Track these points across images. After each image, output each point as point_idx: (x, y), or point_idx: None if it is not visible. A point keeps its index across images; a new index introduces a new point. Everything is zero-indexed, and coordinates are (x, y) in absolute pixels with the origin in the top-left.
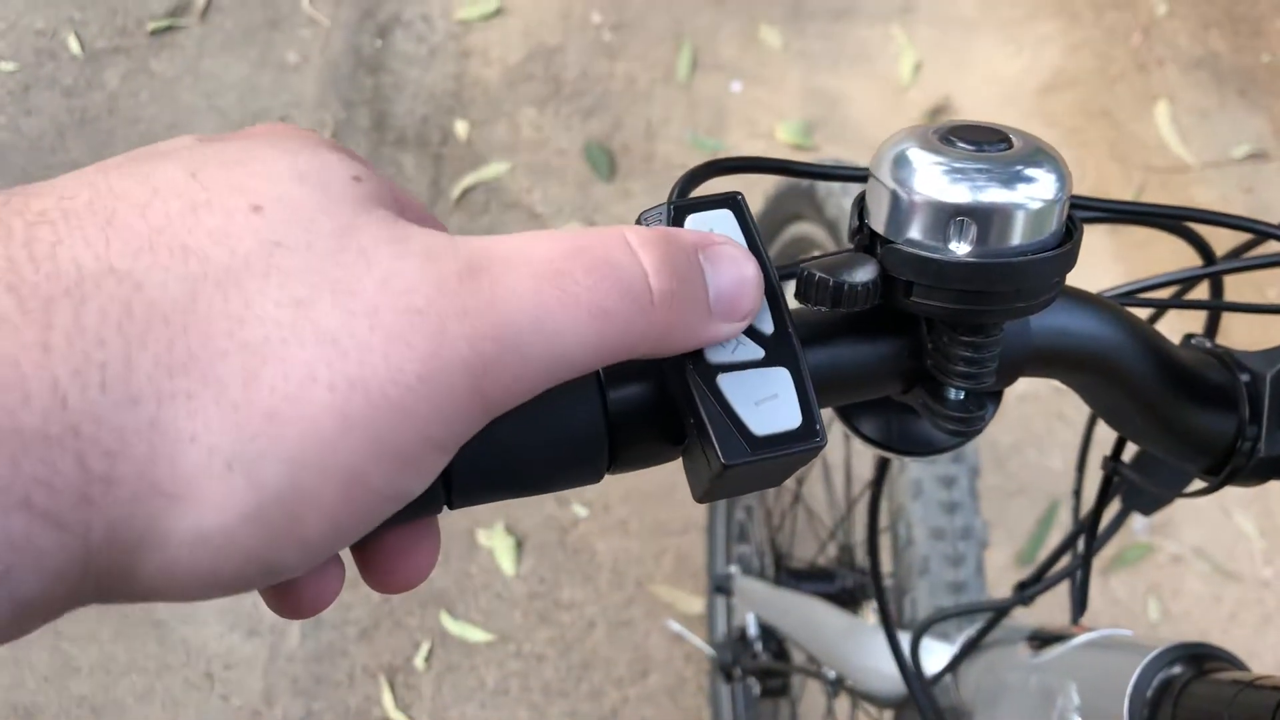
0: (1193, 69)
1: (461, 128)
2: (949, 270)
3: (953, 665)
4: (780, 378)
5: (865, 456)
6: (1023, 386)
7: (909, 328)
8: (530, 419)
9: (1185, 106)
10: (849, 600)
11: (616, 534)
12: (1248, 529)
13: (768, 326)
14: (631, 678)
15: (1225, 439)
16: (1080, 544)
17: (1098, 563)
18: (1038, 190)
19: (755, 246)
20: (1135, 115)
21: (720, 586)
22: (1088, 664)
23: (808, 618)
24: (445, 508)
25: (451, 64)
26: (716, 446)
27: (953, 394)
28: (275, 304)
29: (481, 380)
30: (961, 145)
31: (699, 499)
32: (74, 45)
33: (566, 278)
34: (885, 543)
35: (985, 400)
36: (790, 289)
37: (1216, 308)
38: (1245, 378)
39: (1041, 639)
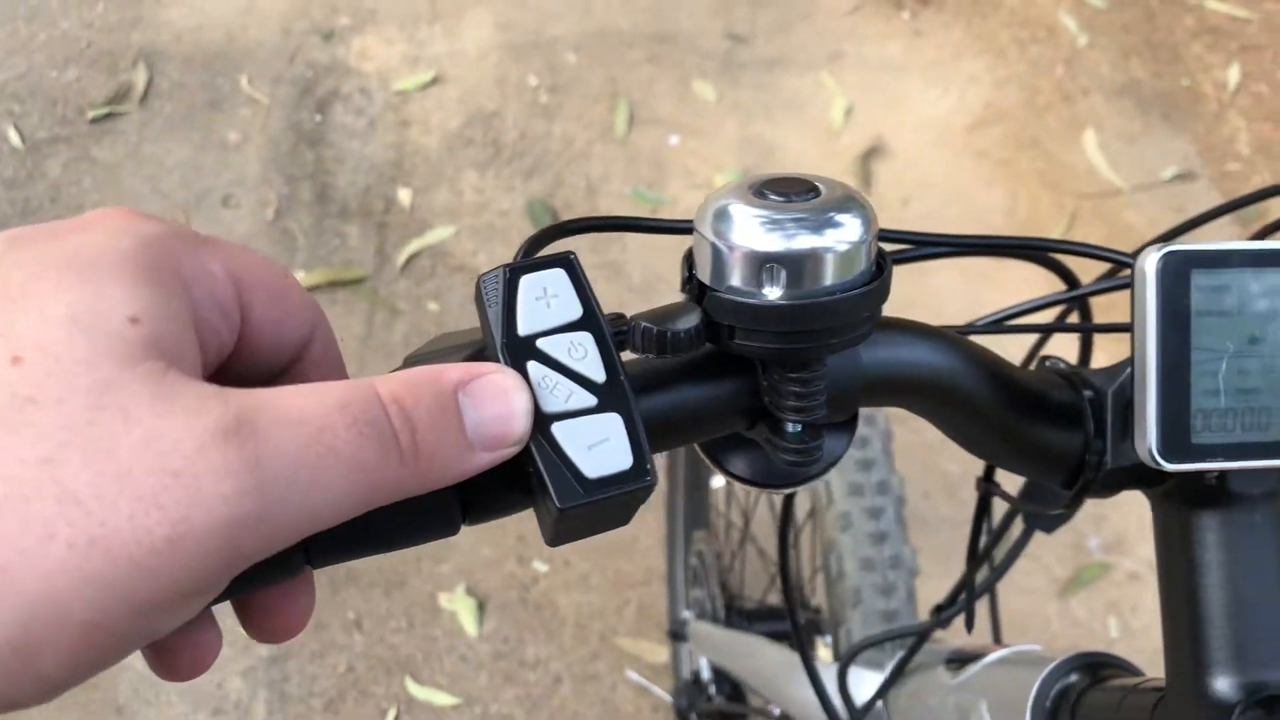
0: (1116, 96)
1: (404, 195)
2: (764, 313)
3: (881, 693)
4: (612, 423)
5: (806, 491)
6: None
7: (746, 369)
8: None
9: (1112, 133)
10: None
11: (578, 589)
12: None
13: (600, 376)
14: None
15: (1075, 454)
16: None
17: (1056, 586)
18: (842, 235)
19: (586, 301)
20: (1064, 144)
21: (676, 633)
22: (997, 681)
23: (753, 657)
24: (308, 567)
25: (391, 134)
26: (551, 491)
27: (790, 428)
28: (20, 461)
29: (238, 537)
30: (773, 198)
31: (549, 542)
32: (14, 138)
33: (328, 433)
34: (820, 578)
35: (821, 432)
36: None
37: (1059, 330)
38: (1089, 394)
39: (959, 660)
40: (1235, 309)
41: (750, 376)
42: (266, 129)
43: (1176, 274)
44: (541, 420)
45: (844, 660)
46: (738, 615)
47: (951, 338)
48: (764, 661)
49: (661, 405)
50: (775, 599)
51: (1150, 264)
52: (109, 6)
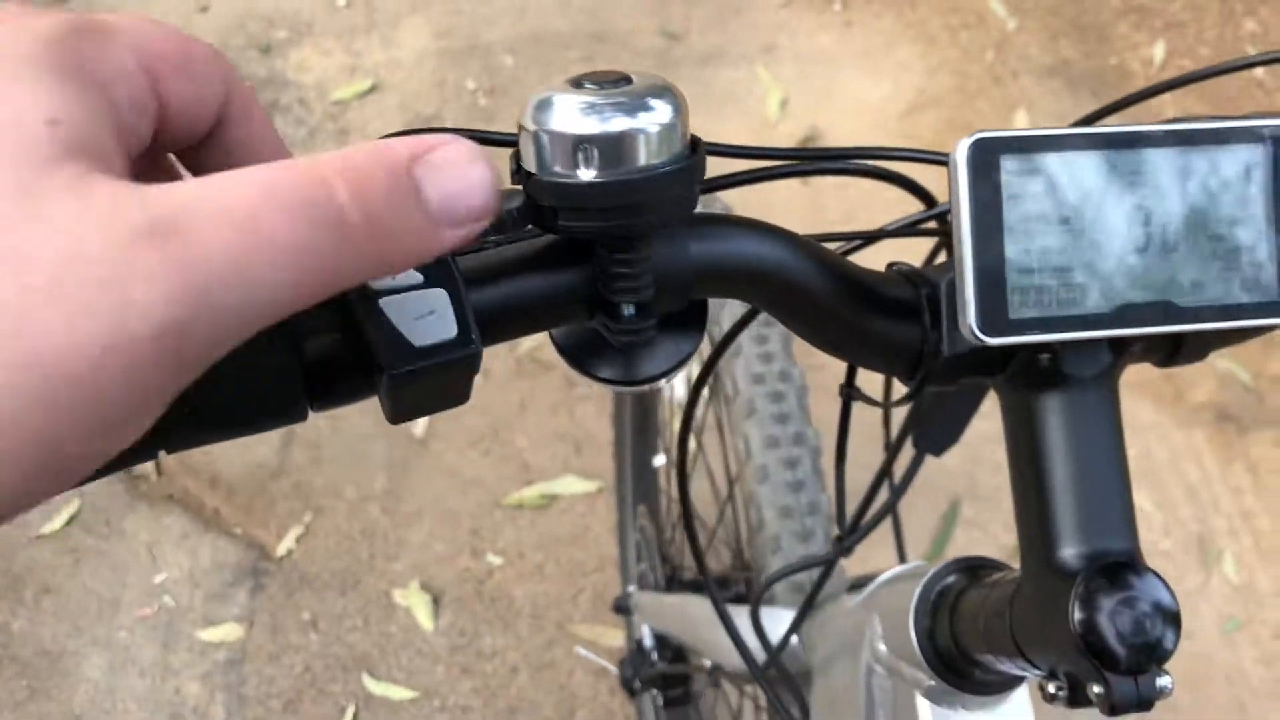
0: (1046, 77)
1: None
2: (581, 191)
3: (793, 629)
4: (438, 297)
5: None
6: None
7: (580, 259)
8: (223, 363)
9: (1043, 113)
10: (743, 599)
11: (533, 579)
12: (1143, 504)
13: None
14: (559, 718)
15: (914, 346)
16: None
17: (1001, 553)
18: (652, 118)
19: None
20: (997, 126)
21: (620, 607)
22: (888, 595)
23: (685, 616)
24: (164, 452)
25: (331, 142)
26: (380, 358)
27: (624, 310)
28: None
29: (180, 342)
30: (589, 86)
31: (390, 418)
32: None
33: (262, 221)
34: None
35: (654, 313)
36: None
37: (885, 236)
38: (926, 290)
39: (860, 584)
40: (1044, 191)
41: (585, 265)
42: None
43: (986, 160)
44: (370, 295)
45: (754, 600)
46: (678, 584)
47: (785, 233)
48: (695, 618)
49: (501, 293)
50: (716, 565)
51: (961, 152)
52: None
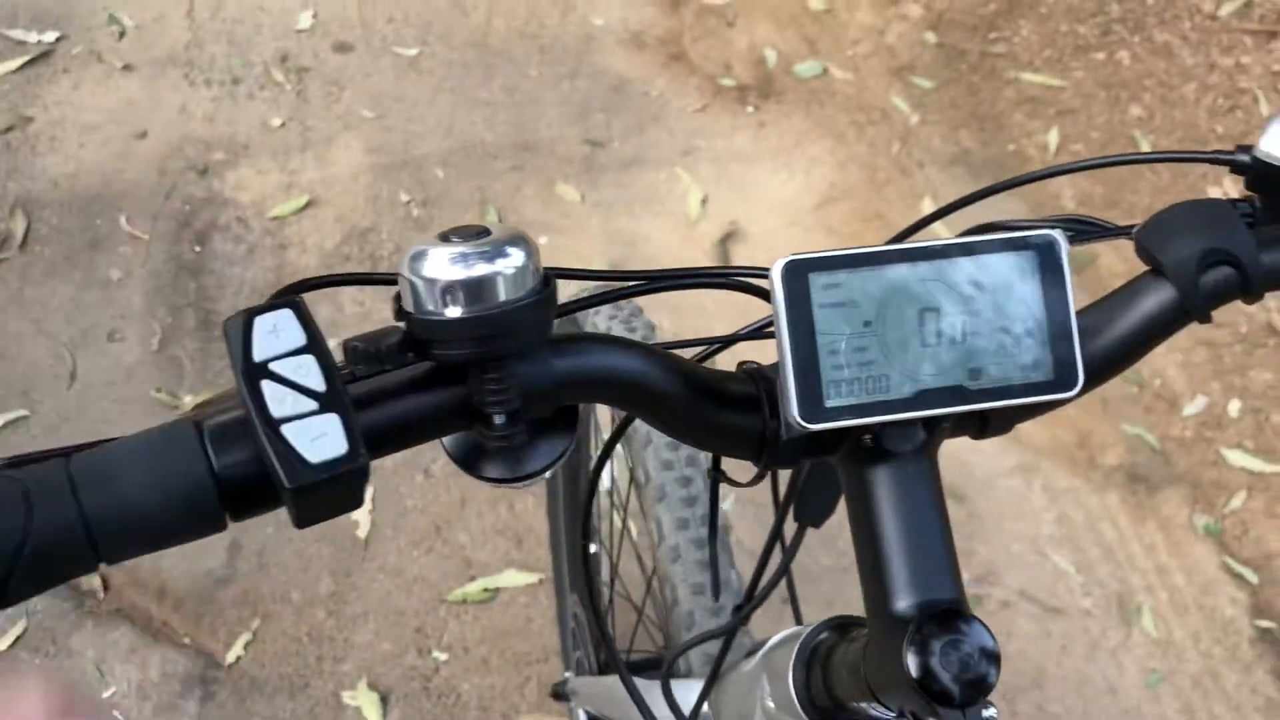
0: (949, 166)
1: None
2: (447, 326)
3: (702, 698)
4: (331, 421)
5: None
6: None
7: (457, 379)
8: (147, 481)
9: (948, 200)
10: (676, 674)
11: (478, 672)
12: (1064, 566)
13: (321, 386)
14: None
15: (758, 433)
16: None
17: None
18: (507, 263)
19: (310, 331)
20: (905, 214)
21: (558, 693)
22: (774, 656)
23: (612, 696)
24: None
25: (270, 257)
26: (281, 475)
27: (496, 419)
28: None
29: None
30: (454, 240)
31: (295, 524)
32: None
33: None
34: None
35: (521, 421)
36: None
37: (735, 341)
38: (765, 385)
39: (755, 650)
40: (848, 300)
41: (460, 385)
42: (148, 263)
43: (797, 278)
44: (274, 423)
45: (663, 674)
46: (610, 668)
47: (638, 345)
48: (621, 698)
49: (388, 413)
50: (645, 645)
51: (776, 272)
52: None
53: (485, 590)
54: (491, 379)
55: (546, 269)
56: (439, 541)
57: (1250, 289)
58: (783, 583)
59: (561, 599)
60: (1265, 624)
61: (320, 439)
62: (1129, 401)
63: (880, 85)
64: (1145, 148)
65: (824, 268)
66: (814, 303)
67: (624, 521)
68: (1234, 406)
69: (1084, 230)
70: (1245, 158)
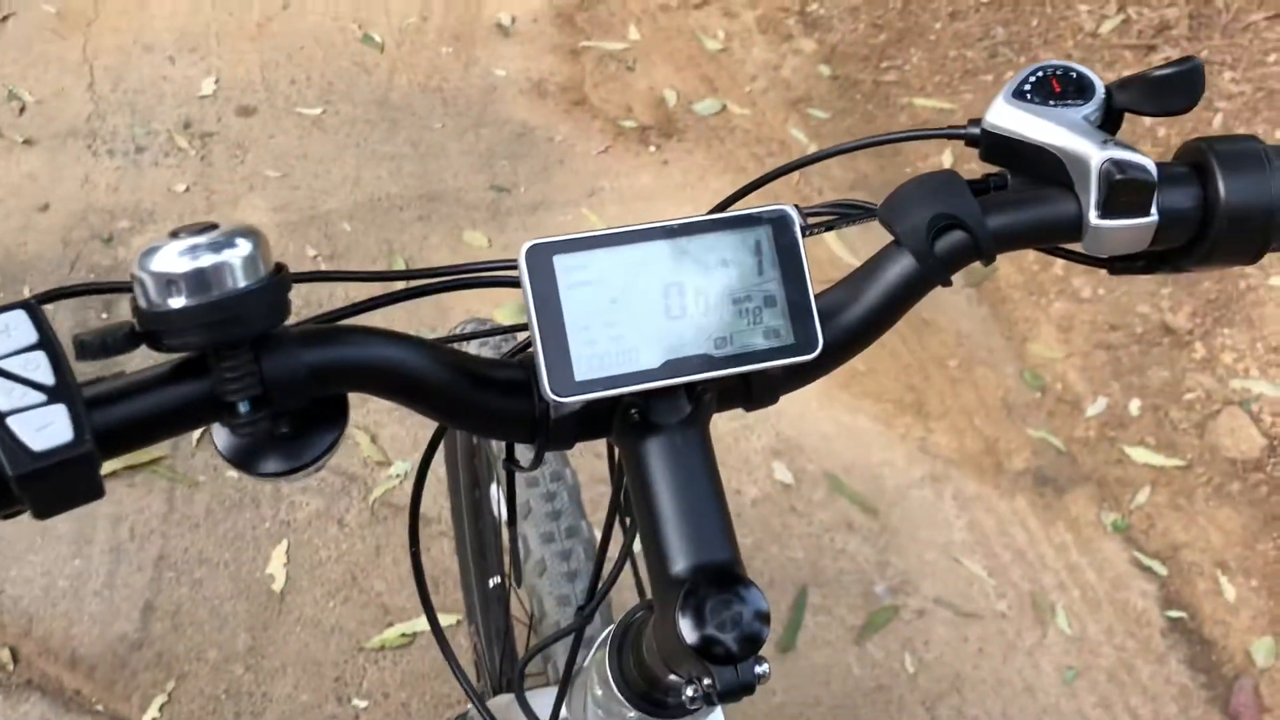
0: (848, 191)
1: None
2: (174, 316)
3: (558, 701)
4: (58, 411)
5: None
6: (754, 491)
7: (199, 372)
8: None
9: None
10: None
11: (399, 717)
12: (977, 571)
13: (50, 380)
14: None
15: (529, 415)
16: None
17: (851, 634)
18: (232, 253)
19: (42, 330)
20: (809, 243)
21: None
22: (601, 646)
23: (507, 716)
24: None
25: None
26: (5, 465)
27: (240, 408)
28: None
29: None
30: (182, 235)
31: (35, 516)
32: None
33: None
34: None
35: (274, 409)
36: None
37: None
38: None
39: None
40: (595, 280)
41: (204, 377)
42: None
43: (542, 260)
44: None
45: (517, 685)
46: (502, 687)
47: (399, 335)
48: (514, 714)
49: (132, 408)
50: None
51: (521, 256)
52: None
53: (403, 635)
54: (227, 366)
55: (287, 269)
56: (355, 590)
57: (981, 251)
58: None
59: (472, 634)
60: (1176, 614)
61: (46, 428)
62: (1032, 406)
63: (778, 118)
64: None
65: (568, 249)
66: (560, 283)
67: (513, 549)
68: (1134, 405)
69: (847, 213)
70: (975, 130)
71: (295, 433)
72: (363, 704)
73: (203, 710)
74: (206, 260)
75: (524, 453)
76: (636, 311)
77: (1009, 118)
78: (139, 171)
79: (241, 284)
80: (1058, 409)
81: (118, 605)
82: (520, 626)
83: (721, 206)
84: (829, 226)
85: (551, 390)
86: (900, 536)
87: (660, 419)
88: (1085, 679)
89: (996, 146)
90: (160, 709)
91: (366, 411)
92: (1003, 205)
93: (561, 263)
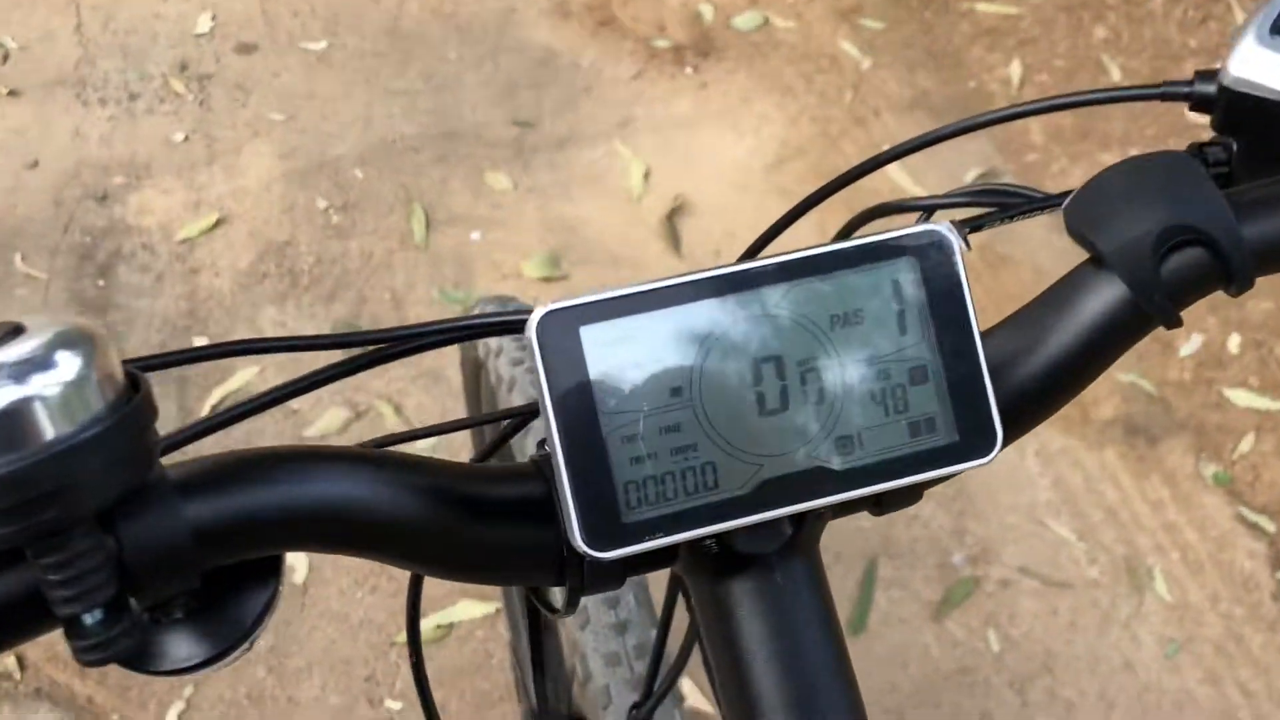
0: (908, 111)
1: (201, 344)
2: None
3: None
4: None
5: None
6: None
7: (15, 560)
8: None
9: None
10: None
11: None
12: (1065, 535)
13: None
14: None
15: (555, 548)
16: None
17: (927, 610)
18: (50, 377)
19: None
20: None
21: None
22: None
23: None
24: None
25: (180, 284)
26: None
27: (86, 619)
28: None
29: None
30: None
31: None
32: None
33: None
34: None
35: (123, 612)
36: None
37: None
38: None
39: None
40: (643, 360)
41: (23, 568)
42: (47, 305)
43: (564, 335)
44: None
45: None
46: None
47: (341, 453)
48: None
49: None
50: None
51: (532, 330)
52: None
53: (438, 627)
54: (53, 563)
55: (132, 364)
56: (384, 579)
57: (1232, 276)
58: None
59: (515, 630)
60: None
61: None
62: None
63: (826, 31)
64: (1114, 71)
65: (603, 316)
66: (591, 370)
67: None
68: (1234, 342)
69: (1005, 205)
70: (1209, 88)
71: (203, 604)
72: (397, 706)
73: (223, 717)
74: (12, 394)
75: (557, 594)
76: (713, 408)
77: (1266, 67)
78: (133, 121)
79: (74, 425)
80: (1148, 349)
81: None
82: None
83: (800, 211)
84: (974, 226)
85: (585, 542)
86: (978, 500)
87: (749, 548)
88: (1189, 652)
89: (1242, 110)
90: (178, 717)
91: (388, 381)
92: (1262, 204)
93: (595, 336)
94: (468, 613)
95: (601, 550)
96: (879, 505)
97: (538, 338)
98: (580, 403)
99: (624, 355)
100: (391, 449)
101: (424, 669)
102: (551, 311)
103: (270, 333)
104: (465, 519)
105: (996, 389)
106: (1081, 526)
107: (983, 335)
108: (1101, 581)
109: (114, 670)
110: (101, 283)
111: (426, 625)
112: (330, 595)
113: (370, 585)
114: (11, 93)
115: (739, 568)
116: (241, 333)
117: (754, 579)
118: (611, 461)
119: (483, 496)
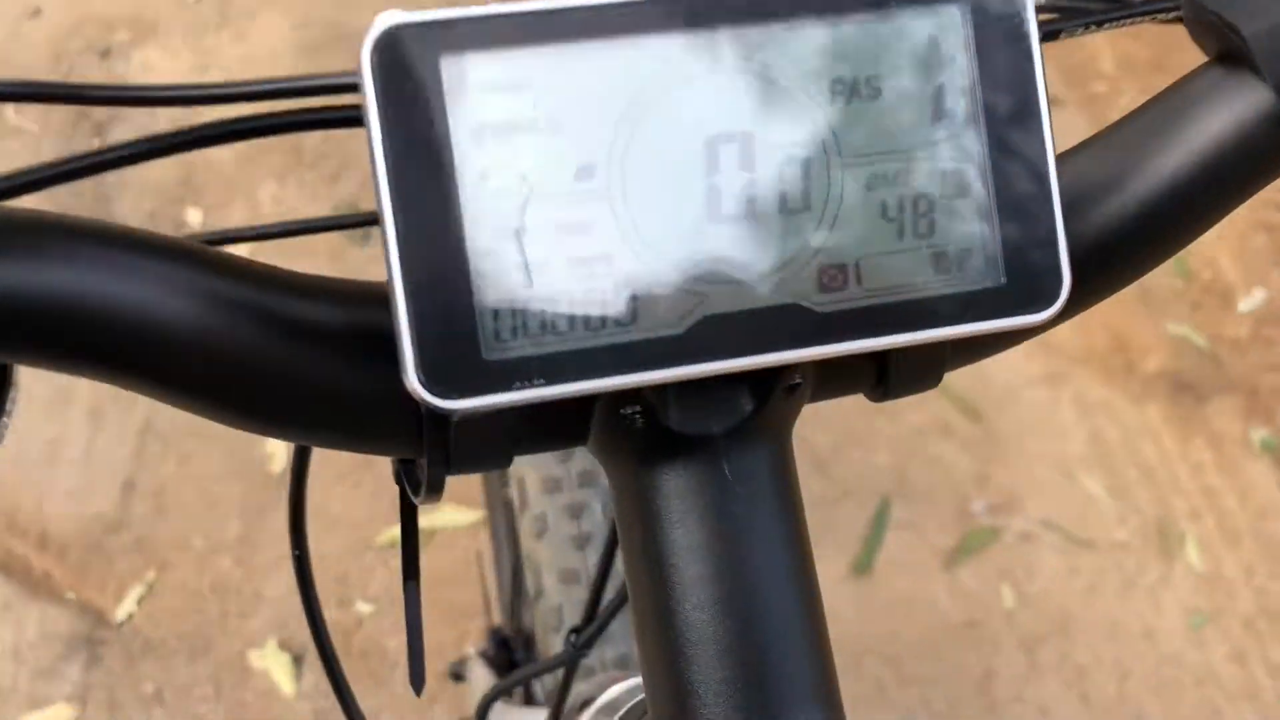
0: None
1: (194, 216)
2: None
3: None
4: None
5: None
6: None
7: None
8: None
9: None
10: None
11: None
12: (1095, 491)
13: None
14: None
15: (409, 412)
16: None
17: (939, 558)
18: None
19: None
20: None
21: (456, 673)
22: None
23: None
24: None
25: None
26: None
27: None
28: None
29: None
30: None
31: None
32: None
33: None
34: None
35: None
36: None
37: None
38: None
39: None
40: (538, 118)
41: None
42: (38, 160)
43: (415, 67)
44: None
45: (480, 708)
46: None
47: (124, 232)
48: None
49: None
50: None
51: (366, 57)
52: None
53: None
54: None
55: None
56: (367, 474)
57: None
58: None
59: (498, 542)
60: None
61: None
62: (1174, 296)
63: None
64: None
65: (480, 43)
66: (454, 125)
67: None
68: None
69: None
70: None
71: None
72: (368, 609)
73: (185, 606)
74: None
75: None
76: (641, 202)
77: None
78: None
79: None
80: (1204, 301)
81: (95, 480)
82: None
83: None
84: (1050, 31)
85: (424, 384)
86: (1006, 446)
87: (688, 426)
88: (1216, 626)
89: None
90: (138, 602)
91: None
92: None
93: (461, 73)
94: (451, 520)
95: (447, 397)
96: (881, 381)
97: (373, 69)
98: (430, 175)
99: (507, 107)
100: (202, 245)
101: (308, 561)
102: (398, 27)
103: (268, 209)
104: (281, 346)
105: (1070, 220)
106: (1114, 484)
107: (1057, 155)
108: (1130, 544)
109: (75, 546)
110: (96, 141)
111: None
112: (310, 488)
113: (353, 481)
114: None
115: (671, 453)
116: (239, 206)
117: (693, 472)
118: (471, 268)
119: (312, 319)
